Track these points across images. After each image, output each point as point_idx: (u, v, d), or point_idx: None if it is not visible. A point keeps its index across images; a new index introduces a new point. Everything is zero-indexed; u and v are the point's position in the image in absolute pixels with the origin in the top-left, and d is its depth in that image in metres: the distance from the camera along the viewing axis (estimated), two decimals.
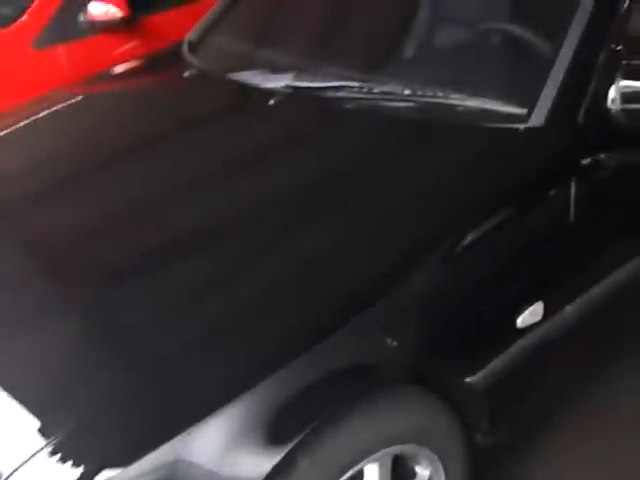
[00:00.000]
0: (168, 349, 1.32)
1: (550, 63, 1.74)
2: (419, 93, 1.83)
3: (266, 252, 1.50)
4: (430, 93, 1.83)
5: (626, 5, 1.80)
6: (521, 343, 1.60)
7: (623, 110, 1.72)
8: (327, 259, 1.47)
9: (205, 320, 1.37)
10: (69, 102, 2.35)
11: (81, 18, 3.16)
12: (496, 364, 1.56)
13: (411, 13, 2.11)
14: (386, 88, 1.88)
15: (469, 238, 1.55)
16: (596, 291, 1.75)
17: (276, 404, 1.25)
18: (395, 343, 1.38)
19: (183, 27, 2.57)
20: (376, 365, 1.38)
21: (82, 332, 1.41)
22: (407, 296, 1.43)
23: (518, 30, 1.88)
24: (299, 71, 2.01)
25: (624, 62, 1.74)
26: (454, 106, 1.80)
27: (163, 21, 3.31)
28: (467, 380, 1.52)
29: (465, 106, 1.79)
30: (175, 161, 1.86)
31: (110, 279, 1.51)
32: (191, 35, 2.48)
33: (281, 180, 1.71)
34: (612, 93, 1.73)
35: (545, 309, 1.61)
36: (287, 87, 1.97)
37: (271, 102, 1.94)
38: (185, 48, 2.41)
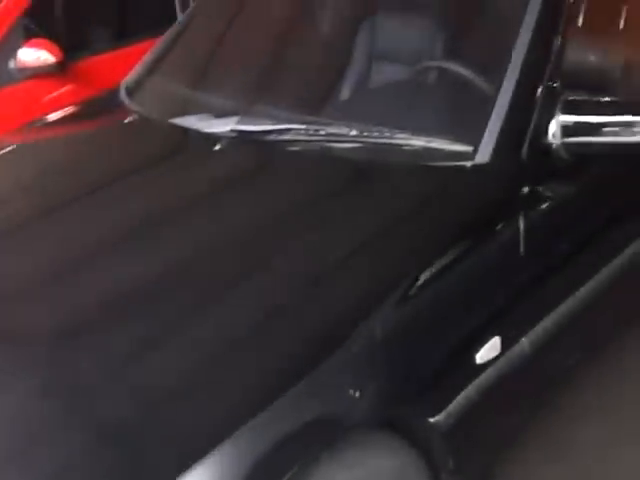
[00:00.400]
0: (124, 411, 1.27)
1: (492, 100, 1.78)
2: (365, 134, 1.84)
3: (223, 303, 1.47)
4: (376, 133, 1.84)
5: (560, 42, 1.87)
6: (481, 379, 1.60)
7: (563, 144, 1.77)
8: (284, 311, 1.45)
9: (164, 378, 1.32)
10: (1, 151, 2.27)
11: (12, 64, 3.09)
12: (458, 402, 1.56)
13: (354, 53, 2.14)
14: (332, 129, 1.88)
15: (422, 279, 1.56)
16: (550, 320, 1.78)
17: (243, 463, 1.21)
18: (357, 390, 1.37)
19: (119, 70, 2.53)
20: (340, 414, 1.36)
21: (37, 393, 1.34)
22: (365, 342, 1.43)
23: (460, 68, 1.92)
24: (244, 114, 1.99)
25: (562, 97, 1.80)
26: (401, 145, 1.82)
27: (98, 65, 3.26)
28: (431, 420, 1.51)
29: (412, 145, 1.81)
30: (114, 212, 1.80)
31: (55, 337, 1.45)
32: (129, 79, 2.43)
33: (225, 230, 1.68)
34: (552, 128, 1.78)
35: (502, 343, 1.63)
36: (232, 131, 1.95)
37: (216, 147, 1.92)
38: (123, 92, 2.36)
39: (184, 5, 3.45)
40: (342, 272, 1.53)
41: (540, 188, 1.79)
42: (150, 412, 1.27)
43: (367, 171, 1.82)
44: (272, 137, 1.91)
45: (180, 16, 3.30)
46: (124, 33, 3.54)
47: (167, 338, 1.40)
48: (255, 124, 1.95)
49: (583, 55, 2.19)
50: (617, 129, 1.76)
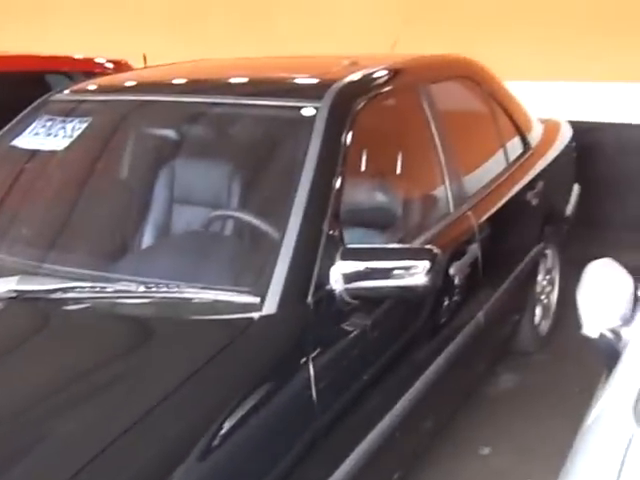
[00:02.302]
0: None
1: (276, 251, 1.84)
2: (153, 289, 1.82)
3: None
4: (164, 288, 1.83)
5: (338, 193, 1.99)
6: None
7: (346, 289, 1.86)
8: None
9: None
10: None
11: None
12: None
13: (140, 206, 2.14)
14: (119, 286, 1.85)
15: (220, 434, 1.52)
16: (346, 467, 1.80)
17: None
18: None
19: None
20: None
21: None
22: None
23: (246, 219, 1.98)
24: (24, 273, 1.90)
25: (341, 245, 1.91)
26: (189, 300, 1.81)
27: None
28: None
29: (200, 299, 1.81)
30: None
31: None
32: None
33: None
34: (333, 274, 1.86)
35: None
36: (11, 291, 1.85)
37: None
38: None
39: None
40: (141, 431, 1.45)
41: (328, 332, 1.86)
42: None
43: (155, 326, 1.79)
44: (55, 296, 1.83)
45: None
46: None
47: None
48: (36, 283, 1.87)
49: (365, 196, 2.36)
50: (394, 273, 1.87)
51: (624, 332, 1.52)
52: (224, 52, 3.50)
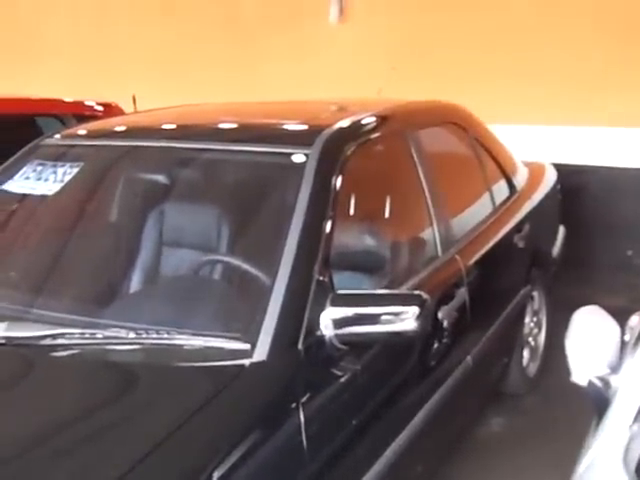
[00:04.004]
0: None
1: (267, 298, 1.84)
2: (143, 335, 1.82)
3: None
4: (154, 335, 1.82)
5: (327, 238, 2.00)
6: None
7: (336, 335, 1.86)
8: None
9: None
10: None
11: None
12: None
13: (129, 250, 2.14)
14: (108, 332, 1.84)
15: None
16: None
17: None
18: None
19: None
20: None
21: None
22: None
23: (236, 265, 1.98)
24: (12, 320, 1.90)
25: (331, 291, 1.92)
26: (180, 346, 1.81)
27: None
28: None
29: (191, 345, 1.81)
30: None
31: None
32: None
33: None
34: (323, 320, 1.87)
35: None
36: None
37: None
38: None
39: None
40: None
41: (318, 378, 1.86)
42: None
43: (145, 374, 1.78)
44: (44, 342, 1.82)
45: None
46: None
47: None
48: (25, 329, 1.86)
49: (354, 240, 2.38)
50: (384, 318, 1.88)
51: (612, 380, 1.54)
52: (212, 94, 3.54)
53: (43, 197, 2.37)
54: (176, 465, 1.52)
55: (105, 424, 1.61)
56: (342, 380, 1.93)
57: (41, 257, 2.28)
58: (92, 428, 1.61)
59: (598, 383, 1.52)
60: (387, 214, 2.51)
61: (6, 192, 2.42)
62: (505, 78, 4.73)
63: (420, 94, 3.18)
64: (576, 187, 4.38)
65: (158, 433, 1.56)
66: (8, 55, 6.49)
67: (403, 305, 1.88)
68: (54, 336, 1.83)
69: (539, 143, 4.56)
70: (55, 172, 2.37)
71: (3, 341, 1.84)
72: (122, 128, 2.74)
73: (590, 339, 1.59)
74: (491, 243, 2.91)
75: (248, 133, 2.52)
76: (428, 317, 1.92)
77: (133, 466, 1.45)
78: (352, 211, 2.35)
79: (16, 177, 2.41)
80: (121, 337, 1.82)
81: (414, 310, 1.86)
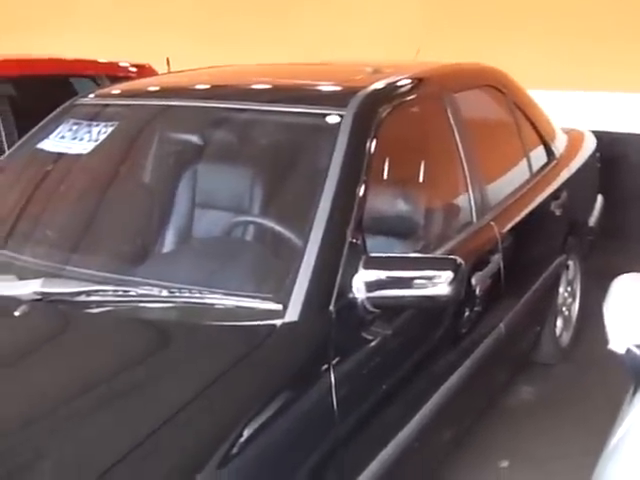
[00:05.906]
0: None
1: (299, 259, 1.84)
2: (176, 294, 1.82)
3: None
4: (187, 293, 1.83)
5: (362, 200, 1.98)
6: None
7: (368, 298, 1.85)
8: None
9: None
10: None
11: None
12: None
13: (163, 210, 2.14)
14: (142, 290, 1.85)
15: (240, 441, 1.51)
16: (364, 477, 1.79)
17: None
18: None
19: None
20: None
21: None
22: None
23: (268, 226, 1.97)
24: (48, 276, 1.91)
25: (364, 254, 1.90)
26: (212, 305, 1.81)
27: None
28: None
29: (222, 305, 1.81)
30: None
31: None
32: None
33: (28, 399, 1.57)
34: (356, 282, 1.86)
35: None
36: (35, 294, 1.86)
37: (17, 312, 1.82)
38: None
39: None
40: (162, 435, 1.44)
41: (349, 341, 1.85)
42: None
43: (177, 332, 1.79)
44: (79, 299, 1.84)
45: None
46: None
47: None
48: (61, 286, 1.88)
49: (388, 204, 2.35)
50: (417, 282, 1.86)
51: None
52: (247, 56, 3.50)
53: (78, 156, 2.38)
54: (206, 423, 1.53)
55: (136, 381, 1.63)
56: (373, 344, 1.93)
57: (76, 215, 2.29)
58: (123, 384, 1.62)
59: (637, 351, 1.49)
60: (422, 178, 2.48)
61: (42, 150, 2.43)
62: (546, 41, 4.61)
63: (457, 57, 3.11)
64: (616, 155, 4.28)
65: (188, 391, 1.57)
66: (43, 15, 6.50)
67: (437, 269, 1.86)
68: (88, 292, 1.85)
69: (578, 109, 4.45)
70: (90, 131, 2.37)
71: (39, 297, 1.86)
72: (156, 88, 2.73)
73: (630, 306, 1.56)
74: (527, 210, 2.86)
75: (282, 93, 2.49)
76: (462, 282, 1.89)
77: (163, 423, 1.47)
78: (386, 174, 2.32)
79: (52, 136, 2.42)
80: (154, 295, 1.83)
81: (448, 275, 1.84)
